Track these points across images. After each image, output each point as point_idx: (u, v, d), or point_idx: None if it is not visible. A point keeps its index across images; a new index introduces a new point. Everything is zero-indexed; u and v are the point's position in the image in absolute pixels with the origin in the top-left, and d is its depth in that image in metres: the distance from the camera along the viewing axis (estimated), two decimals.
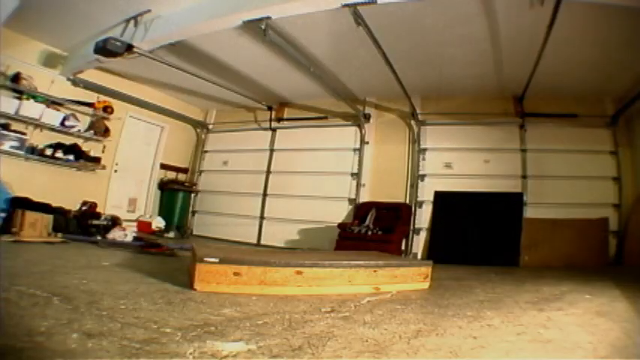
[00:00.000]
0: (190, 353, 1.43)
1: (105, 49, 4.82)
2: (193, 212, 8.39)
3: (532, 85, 5.53)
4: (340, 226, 6.28)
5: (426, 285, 3.29)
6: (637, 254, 4.91)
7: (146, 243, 4.92)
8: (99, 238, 5.14)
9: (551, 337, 1.90)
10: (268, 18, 4.13)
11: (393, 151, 6.92)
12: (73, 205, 6.09)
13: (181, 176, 8.43)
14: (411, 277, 3.23)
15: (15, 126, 5.64)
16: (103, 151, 6.79)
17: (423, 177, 6.61)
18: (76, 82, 6.31)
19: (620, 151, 5.76)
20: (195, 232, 8.11)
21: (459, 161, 6.48)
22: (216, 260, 2.59)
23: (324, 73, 6.00)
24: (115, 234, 5.22)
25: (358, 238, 5.85)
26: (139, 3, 4.75)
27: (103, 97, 6.73)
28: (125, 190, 7.53)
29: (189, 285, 2.60)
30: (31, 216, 4.68)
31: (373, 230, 5.99)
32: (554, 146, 5.81)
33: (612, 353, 1.73)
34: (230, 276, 2.58)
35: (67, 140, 6.30)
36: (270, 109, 7.94)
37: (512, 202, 5.69)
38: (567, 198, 5.21)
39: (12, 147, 5.53)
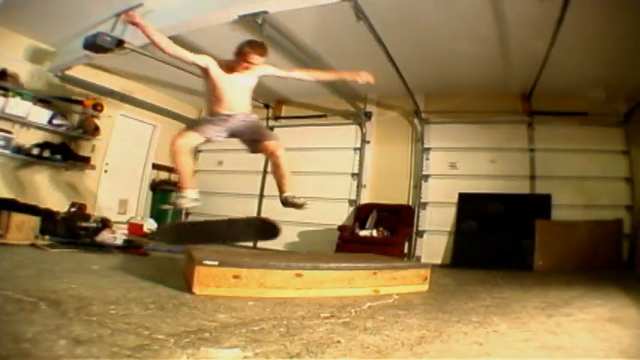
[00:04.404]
0: None
1: (95, 45, 4.64)
2: (187, 214, 8.20)
3: (541, 82, 5.36)
4: (340, 228, 6.17)
5: (425, 287, 3.28)
6: None
7: (126, 245, 4.91)
8: (87, 240, 4.99)
9: (561, 344, 1.84)
10: (265, 12, 4.00)
11: (395, 150, 6.78)
12: (61, 206, 5.86)
13: (174, 177, 8.21)
14: (410, 279, 3.23)
15: (0, 124, 5.47)
16: (92, 151, 6.59)
17: (426, 177, 6.44)
18: (64, 79, 6.10)
19: (633, 151, 5.59)
20: None
21: (464, 161, 6.32)
22: (216, 263, 2.55)
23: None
24: (104, 236, 5.07)
25: (359, 241, 5.77)
26: None
27: (92, 95, 6.52)
28: (116, 191, 7.32)
29: (187, 288, 2.55)
30: (17, 218, 4.52)
31: (374, 233, 5.93)
32: (564, 145, 5.65)
33: None
34: (229, 279, 2.55)
35: (55, 139, 6.10)
36: (267, 107, 7.76)
37: (540, 204, 5.52)
38: (578, 199, 5.07)
39: None
